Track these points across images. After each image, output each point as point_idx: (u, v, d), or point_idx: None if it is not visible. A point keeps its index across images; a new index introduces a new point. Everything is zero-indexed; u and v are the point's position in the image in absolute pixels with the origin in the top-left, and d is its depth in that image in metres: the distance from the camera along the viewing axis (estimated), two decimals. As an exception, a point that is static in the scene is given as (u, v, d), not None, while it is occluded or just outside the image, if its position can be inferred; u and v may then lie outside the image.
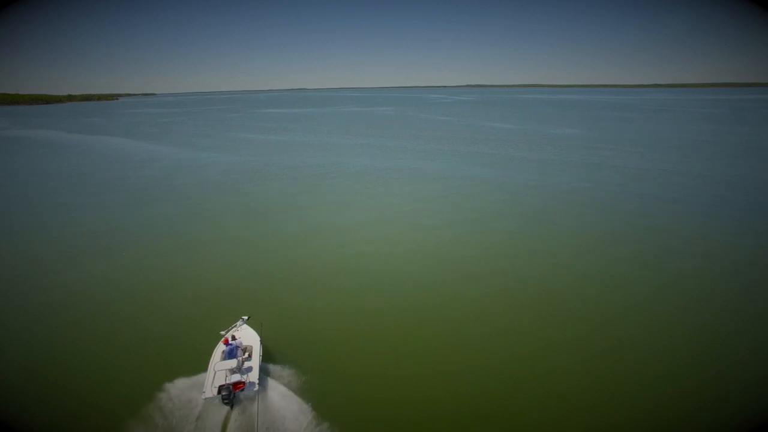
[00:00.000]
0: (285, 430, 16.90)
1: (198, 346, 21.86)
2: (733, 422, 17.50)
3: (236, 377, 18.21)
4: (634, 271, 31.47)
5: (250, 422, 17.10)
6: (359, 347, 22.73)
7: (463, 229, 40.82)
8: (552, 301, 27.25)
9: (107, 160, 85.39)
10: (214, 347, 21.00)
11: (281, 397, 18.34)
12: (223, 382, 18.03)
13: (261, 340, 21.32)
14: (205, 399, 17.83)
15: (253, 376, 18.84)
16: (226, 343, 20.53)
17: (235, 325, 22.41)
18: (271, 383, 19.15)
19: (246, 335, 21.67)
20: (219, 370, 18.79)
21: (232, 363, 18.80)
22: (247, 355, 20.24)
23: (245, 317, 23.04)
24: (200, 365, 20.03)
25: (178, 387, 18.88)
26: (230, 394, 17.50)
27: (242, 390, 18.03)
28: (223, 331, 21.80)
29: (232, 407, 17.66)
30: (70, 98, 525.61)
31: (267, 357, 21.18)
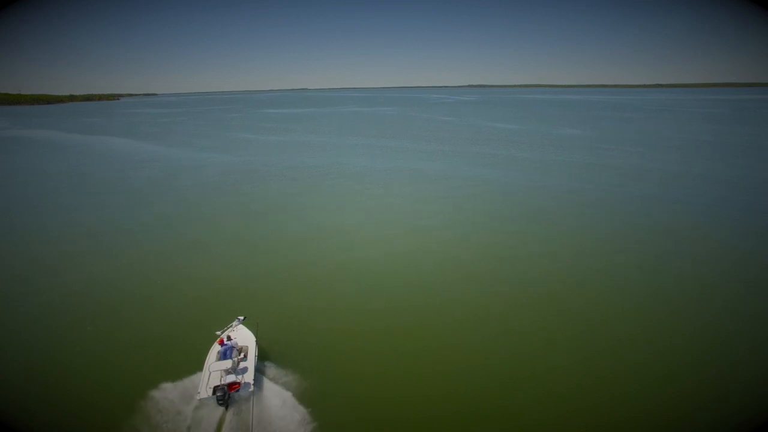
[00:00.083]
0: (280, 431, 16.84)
1: (198, 346, 21.83)
2: (733, 422, 17.47)
3: (231, 378, 18.16)
4: (634, 271, 31.45)
5: (245, 423, 17.04)
6: (357, 347, 22.69)
7: (463, 230, 40.81)
8: (552, 301, 27.24)
9: (107, 160, 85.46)
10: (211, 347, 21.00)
11: (276, 398, 18.27)
12: (218, 383, 17.96)
13: (257, 341, 21.24)
14: (200, 400, 17.77)
15: (249, 377, 18.77)
16: (222, 343, 20.45)
17: (231, 326, 22.32)
18: (267, 384, 19.09)
19: (242, 335, 21.59)
20: (214, 371, 18.72)
21: (227, 364, 18.74)
22: (242, 355, 20.16)
23: (241, 317, 22.96)
24: (198, 365, 20.02)
25: (175, 387, 18.85)
26: (225, 394, 17.44)
27: (237, 391, 17.97)
28: (219, 331, 21.71)
29: (227, 408, 17.58)
30: (72, 98, 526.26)
31: (263, 357, 21.11)
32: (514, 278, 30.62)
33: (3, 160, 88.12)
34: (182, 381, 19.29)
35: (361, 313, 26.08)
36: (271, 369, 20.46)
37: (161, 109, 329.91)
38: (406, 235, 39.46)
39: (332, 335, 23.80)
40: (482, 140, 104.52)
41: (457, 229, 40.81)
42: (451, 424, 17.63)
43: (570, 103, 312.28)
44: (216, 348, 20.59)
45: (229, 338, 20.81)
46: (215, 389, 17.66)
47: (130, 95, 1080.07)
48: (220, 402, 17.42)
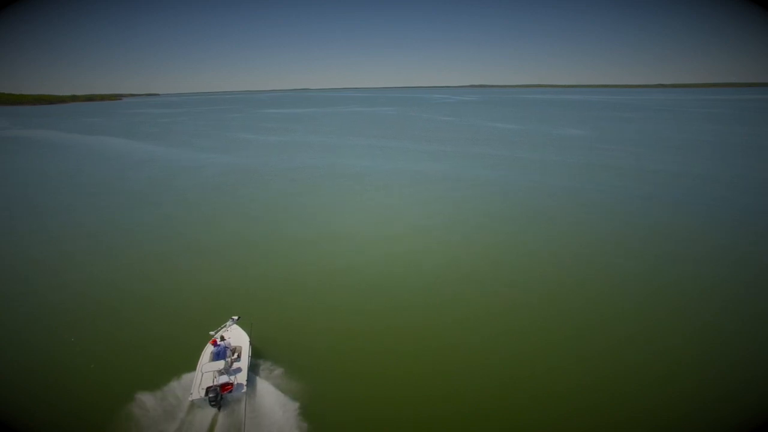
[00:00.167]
0: None
1: (198, 345, 21.82)
2: (733, 422, 17.45)
3: (224, 379, 18.07)
4: (634, 270, 31.42)
5: (238, 425, 16.89)
6: (356, 347, 22.62)
7: (463, 229, 40.79)
8: (552, 301, 27.21)
9: (108, 160, 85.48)
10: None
11: (270, 399, 18.08)
12: (211, 384, 17.85)
13: (251, 341, 21.08)
14: (192, 401, 17.61)
15: (242, 378, 18.64)
16: (215, 343, 20.32)
17: (225, 326, 22.17)
18: (260, 385, 18.94)
19: (235, 336, 21.47)
20: (206, 372, 18.62)
21: (220, 364, 18.66)
22: (236, 356, 20.02)
23: (235, 317, 22.81)
24: (194, 366, 19.93)
25: (170, 388, 18.76)
26: (217, 395, 17.29)
27: (230, 392, 17.84)
28: (212, 331, 21.57)
29: (219, 409, 17.44)
30: (74, 98, 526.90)
31: (257, 358, 21.01)
32: (514, 278, 30.58)
33: (3, 160, 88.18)
34: (178, 381, 19.22)
35: (360, 313, 26.02)
36: (265, 370, 20.32)
37: (162, 109, 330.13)
38: (406, 235, 39.42)
39: (329, 335, 23.67)
40: (483, 140, 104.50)
41: (456, 229, 40.79)
42: (451, 424, 17.59)
43: (570, 103, 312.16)
44: (209, 348, 20.43)
45: (222, 338, 20.65)
46: (208, 390, 17.46)
47: (132, 95, 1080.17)
48: (213, 403, 17.23)
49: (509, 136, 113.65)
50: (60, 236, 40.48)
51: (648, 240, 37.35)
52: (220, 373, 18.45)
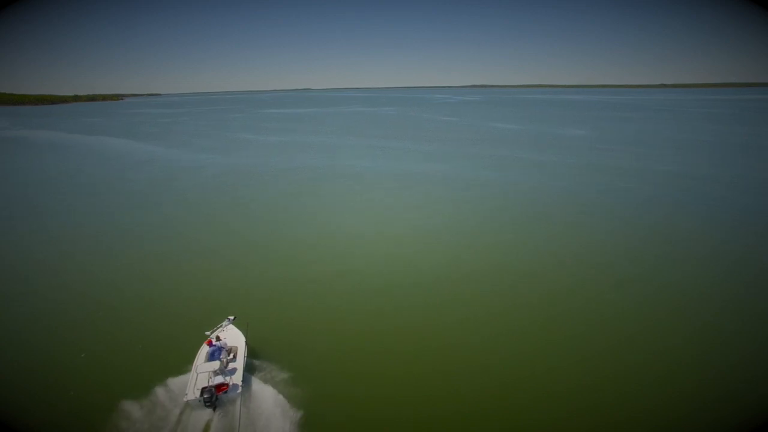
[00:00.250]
0: None
1: (197, 345, 21.83)
2: (733, 422, 17.43)
3: (219, 379, 17.98)
4: (634, 271, 31.39)
5: (232, 425, 16.81)
6: (355, 348, 22.60)
7: (463, 230, 40.78)
8: (552, 301, 27.19)
9: (108, 160, 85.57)
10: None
11: (265, 400, 17.99)
12: (206, 384, 17.76)
13: (247, 341, 20.98)
14: (187, 402, 17.51)
15: (237, 378, 18.55)
16: (210, 344, 20.22)
17: (221, 326, 22.06)
18: (256, 385, 18.88)
19: (231, 336, 21.35)
20: (202, 372, 18.49)
21: (215, 365, 18.53)
22: (231, 356, 19.92)
23: (231, 317, 22.69)
24: (191, 366, 19.91)
25: (166, 389, 18.71)
26: (212, 396, 17.19)
27: (225, 392, 17.75)
28: (208, 331, 21.46)
29: (214, 410, 17.36)
30: (76, 99, 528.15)
31: (253, 358, 20.95)
32: (514, 278, 30.56)
33: (3, 160, 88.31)
34: (175, 382, 19.17)
35: (359, 312, 26.02)
36: (261, 370, 20.24)
37: (164, 109, 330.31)
38: (405, 235, 39.41)
39: (327, 335, 23.63)
40: (483, 141, 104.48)
41: (456, 229, 40.77)
42: (451, 424, 17.59)
43: (570, 103, 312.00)
44: (205, 349, 20.33)
45: (218, 338, 20.53)
46: (203, 391, 17.38)
47: (134, 95, 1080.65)
48: (208, 404, 17.15)
49: (510, 136, 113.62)
50: (60, 236, 40.51)
51: (648, 240, 37.31)
52: (216, 373, 18.32)
